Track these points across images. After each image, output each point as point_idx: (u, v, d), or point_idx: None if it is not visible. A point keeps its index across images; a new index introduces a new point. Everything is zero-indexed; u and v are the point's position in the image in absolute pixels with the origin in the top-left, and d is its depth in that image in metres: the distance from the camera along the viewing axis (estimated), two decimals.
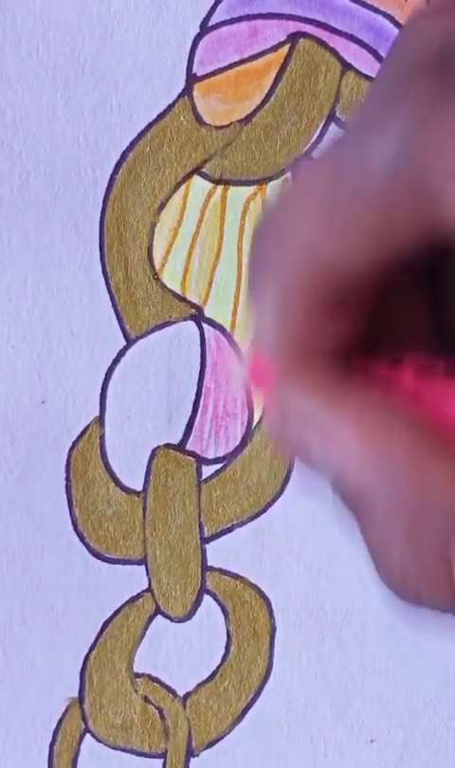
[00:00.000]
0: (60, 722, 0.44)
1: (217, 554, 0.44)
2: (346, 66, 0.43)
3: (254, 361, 0.26)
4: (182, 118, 0.43)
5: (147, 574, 0.44)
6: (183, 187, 0.43)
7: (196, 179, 0.43)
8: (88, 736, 0.44)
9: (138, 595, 0.44)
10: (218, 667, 0.44)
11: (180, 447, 0.44)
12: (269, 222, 0.24)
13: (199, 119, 0.43)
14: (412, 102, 0.22)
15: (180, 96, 0.43)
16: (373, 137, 0.22)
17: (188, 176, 0.43)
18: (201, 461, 0.44)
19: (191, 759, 0.45)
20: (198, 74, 0.43)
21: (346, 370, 0.25)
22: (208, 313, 0.44)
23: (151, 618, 0.44)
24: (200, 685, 0.45)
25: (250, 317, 0.25)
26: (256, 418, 0.44)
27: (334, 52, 0.43)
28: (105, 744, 0.45)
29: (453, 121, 0.21)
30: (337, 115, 0.43)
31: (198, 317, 0.44)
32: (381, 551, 0.24)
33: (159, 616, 0.44)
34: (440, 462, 0.23)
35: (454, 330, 0.26)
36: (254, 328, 0.25)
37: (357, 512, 0.24)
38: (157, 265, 0.43)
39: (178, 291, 0.43)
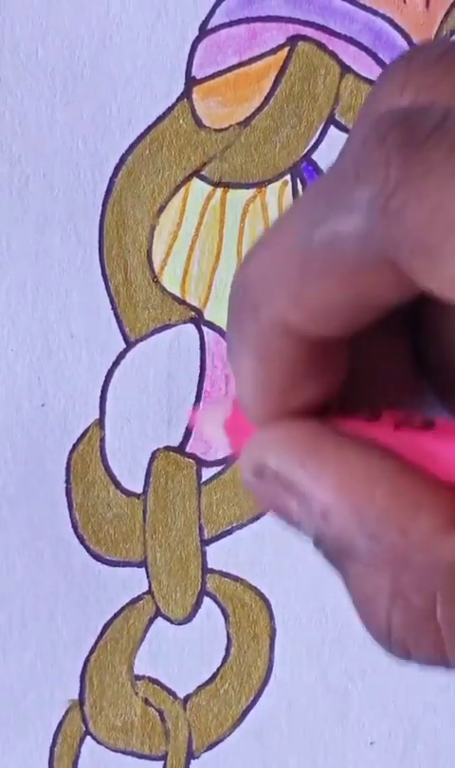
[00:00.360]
0: (60, 724, 0.44)
1: (217, 556, 0.44)
2: (345, 69, 0.43)
3: (234, 421, 0.26)
4: (181, 121, 0.43)
5: (147, 576, 0.44)
6: (182, 190, 0.43)
7: (196, 182, 0.43)
8: (89, 738, 0.45)
9: (139, 598, 0.44)
10: (218, 670, 0.45)
11: (180, 449, 0.44)
12: (242, 283, 0.24)
13: (198, 122, 0.43)
14: (376, 177, 0.22)
15: (179, 99, 0.43)
16: (339, 212, 0.22)
17: (187, 179, 0.43)
18: (201, 463, 0.44)
19: (192, 762, 0.45)
20: (197, 77, 0.43)
21: (324, 425, 0.24)
22: (207, 316, 0.44)
23: (151, 620, 0.44)
24: (200, 688, 0.45)
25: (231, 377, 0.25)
26: None
27: (333, 55, 0.43)
28: (106, 747, 0.45)
29: (416, 195, 0.21)
30: (337, 117, 0.43)
31: (198, 319, 0.44)
32: (367, 607, 0.24)
33: (159, 618, 0.44)
34: (422, 513, 0.23)
35: (437, 372, 0.26)
36: (235, 389, 0.25)
37: (341, 567, 0.24)
38: (157, 267, 0.43)
39: (178, 294, 0.43)
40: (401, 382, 0.26)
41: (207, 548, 0.44)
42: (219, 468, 0.44)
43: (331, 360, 0.24)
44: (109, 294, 0.43)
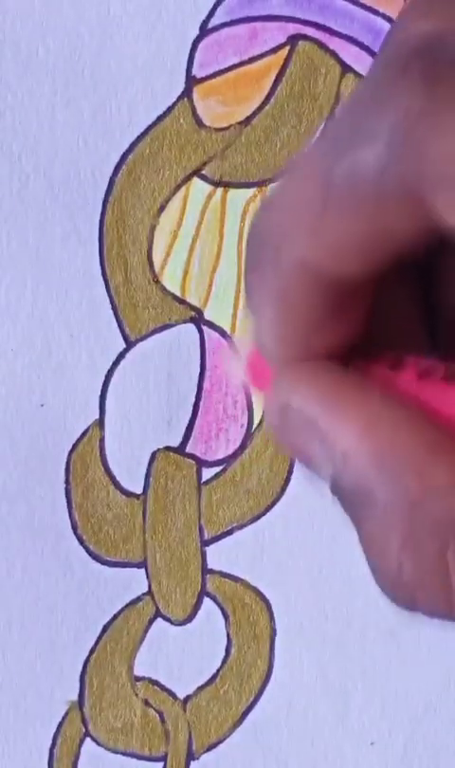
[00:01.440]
0: (60, 725, 0.44)
1: (217, 557, 0.44)
2: (346, 68, 0.43)
3: (253, 362, 0.26)
4: (182, 121, 0.43)
5: (147, 577, 0.44)
6: (183, 189, 0.43)
7: (196, 181, 0.43)
8: (88, 739, 0.44)
9: (138, 598, 0.44)
10: (218, 671, 0.44)
11: (180, 449, 0.44)
12: (261, 227, 0.24)
13: (199, 122, 0.43)
14: (399, 107, 0.21)
15: (180, 98, 0.43)
16: (361, 143, 0.22)
17: (187, 179, 0.43)
18: (201, 463, 0.44)
19: (192, 763, 0.45)
20: (198, 76, 0.43)
21: (346, 371, 0.24)
22: (207, 315, 0.43)
23: (151, 621, 0.44)
24: (200, 689, 0.45)
25: (248, 319, 0.25)
26: (256, 421, 0.44)
27: (333, 54, 0.43)
28: (105, 748, 0.44)
29: (440, 126, 0.21)
30: None
31: (198, 319, 0.43)
32: (378, 553, 0.24)
33: (159, 619, 0.44)
34: (442, 462, 0.23)
35: (450, 329, 0.26)
36: (252, 331, 0.25)
37: (355, 514, 0.24)
38: (157, 267, 0.43)
39: (178, 294, 0.43)
40: (412, 335, 0.26)
41: (207, 548, 0.44)
42: (219, 469, 0.44)
43: (351, 304, 0.24)
44: (109, 294, 0.43)
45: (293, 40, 0.43)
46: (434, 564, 0.23)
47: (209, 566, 0.44)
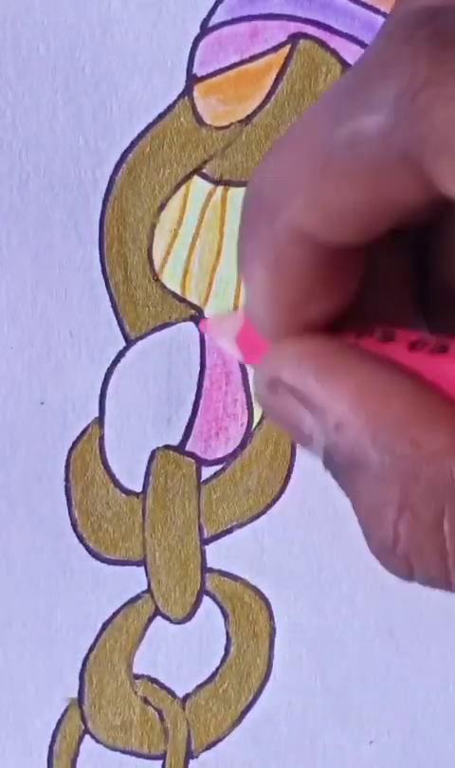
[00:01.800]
0: (59, 723, 0.44)
1: (217, 555, 0.44)
2: (346, 67, 0.43)
3: (244, 336, 0.26)
4: (182, 119, 0.43)
5: (146, 575, 0.44)
6: (183, 187, 0.43)
7: (196, 180, 0.43)
8: (87, 737, 0.44)
9: (138, 597, 0.44)
10: (217, 669, 0.44)
11: (180, 448, 0.44)
12: (256, 192, 0.24)
13: (199, 120, 0.43)
14: (403, 75, 0.21)
15: (180, 96, 0.43)
16: (364, 110, 0.22)
17: (188, 177, 0.43)
18: (201, 462, 0.44)
19: (191, 761, 0.45)
20: (198, 75, 0.43)
21: (337, 341, 0.24)
22: (208, 314, 0.43)
23: (150, 619, 0.44)
24: (199, 687, 0.45)
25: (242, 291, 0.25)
26: (256, 419, 0.44)
27: (334, 53, 0.43)
28: (104, 746, 0.45)
29: (444, 94, 0.21)
30: None
31: (198, 317, 0.43)
32: (374, 522, 0.23)
33: (159, 618, 0.44)
34: (436, 427, 0.23)
35: (440, 298, 0.26)
36: (245, 302, 0.24)
37: (350, 484, 0.24)
38: (157, 265, 0.43)
39: (178, 292, 0.43)
40: (402, 304, 0.26)
41: (206, 547, 0.44)
42: (219, 467, 0.44)
43: (345, 271, 0.24)
44: (109, 292, 0.43)
45: (294, 38, 0.43)
46: (430, 531, 0.23)
47: (209, 565, 0.44)
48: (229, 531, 0.44)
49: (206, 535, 0.44)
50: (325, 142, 0.22)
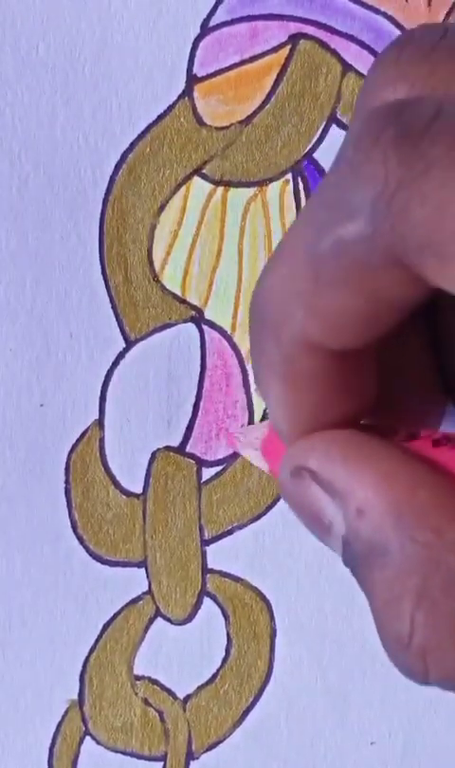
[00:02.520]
0: (59, 724, 0.44)
1: (217, 556, 0.44)
2: (347, 67, 0.43)
3: (269, 441, 0.26)
4: (182, 120, 0.43)
5: (147, 576, 0.44)
6: (183, 188, 0.43)
7: (196, 180, 0.43)
8: (88, 738, 0.44)
9: (138, 598, 0.44)
10: (218, 670, 0.44)
11: (180, 449, 0.44)
12: (259, 307, 0.24)
13: (199, 120, 0.43)
14: (376, 180, 0.21)
15: (180, 97, 0.43)
16: (343, 218, 0.22)
17: (188, 178, 0.43)
18: (201, 463, 0.44)
19: (191, 762, 0.45)
20: (198, 75, 0.42)
21: (361, 430, 0.24)
22: (208, 315, 0.43)
23: (151, 621, 0.44)
24: (200, 688, 0.45)
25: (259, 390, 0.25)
26: (256, 420, 0.44)
27: (334, 53, 0.43)
28: (105, 747, 0.44)
29: (417, 195, 0.21)
30: (338, 116, 0.43)
31: (198, 319, 0.43)
32: (389, 612, 0.23)
33: (159, 619, 0.44)
34: None
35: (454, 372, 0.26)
36: (268, 413, 0.25)
37: (368, 575, 0.24)
38: (157, 266, 0.43)
39: (178, 293, 0.43)
40: (427, 396, 0.26)
41: (207, 548, 0.44)
42: (219, 468, 0.44)
43: (358, 375, 0.24)
44: (109, 293, 0.43)
45: (294, 39, 0.43)
46: (449, 624, 0.23)
47: (210, 566, 0.44)
48: (230, 532, 0.44)
49: (206, 536, 0.44)
50: (312, 255, 0.22)
